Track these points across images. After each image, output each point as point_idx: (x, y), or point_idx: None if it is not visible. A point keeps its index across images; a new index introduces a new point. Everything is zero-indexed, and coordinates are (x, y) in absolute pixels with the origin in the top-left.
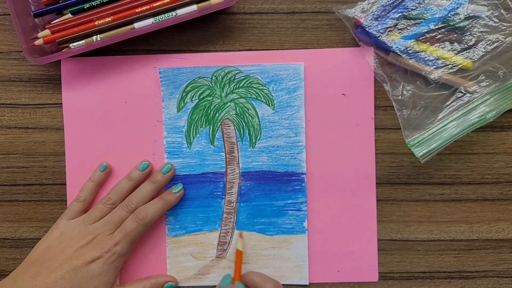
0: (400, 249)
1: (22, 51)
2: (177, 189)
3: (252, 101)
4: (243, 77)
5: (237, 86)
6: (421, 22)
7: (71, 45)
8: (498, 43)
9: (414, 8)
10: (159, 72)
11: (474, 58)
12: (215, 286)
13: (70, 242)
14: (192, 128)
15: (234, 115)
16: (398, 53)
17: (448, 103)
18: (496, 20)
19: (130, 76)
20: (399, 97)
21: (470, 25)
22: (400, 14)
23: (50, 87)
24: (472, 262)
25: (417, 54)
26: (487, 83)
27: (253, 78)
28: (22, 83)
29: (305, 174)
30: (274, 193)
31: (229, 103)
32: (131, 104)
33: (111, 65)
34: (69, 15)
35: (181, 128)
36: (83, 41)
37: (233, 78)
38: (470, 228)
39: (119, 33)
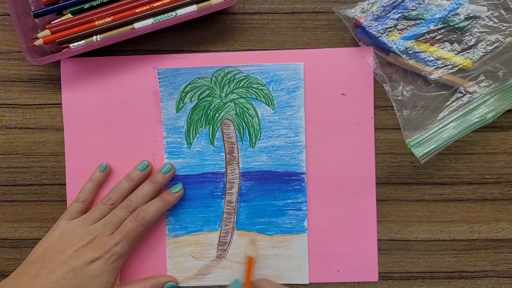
0: (400, 249)
1: (22, 51)
2: (177, 189)
3: (252, 101)
4: (243, 77)
5: (237, 86)
6: (421, 22)
7: (71, 45)
8: (498, 43)
9: (414, 8)
10: (158, 73)
11: (474, 58)
12: (215, 286)
13: (70, 242)
14: (191, 128)
15: (234, 115)
16: (398, 53)
17: (448, 103)
18: (496, 21)
19: (130, 76)
20: (399, 97)
21: (470, 26)
22: (400, 14)
23: (50, 87)
24: (472, 262)
25: (417, 54)
26: (487, 84)
27: (253, 78)
28: (22, 83)
29: (305, 174)
30: (274, 193)
31: (229, 103)
32: (130, 104)
33: (111, 65)
34: (69, 15)
35: (181, 128)
36: (83, 41)
37: (233, 78)
38: (470, 228)
39: (119, 33)
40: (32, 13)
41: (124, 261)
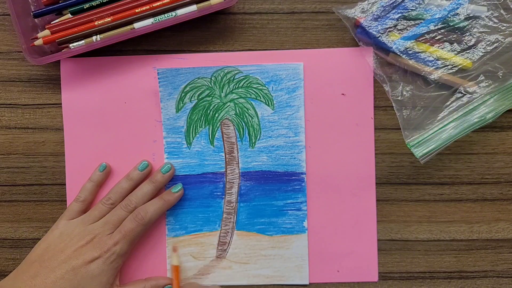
0: (400, 249)
1: (22, 51)
2: (177, 188)
3: (252, 101)
4: (242, 77)
5: (236, 86)
6: (421, 22)
7: (70, 45)
8: (497, 43)
9: (413, 8)
10: (157, 73)
11: (473, 58)
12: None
13: (70, 242)
14: (191, 128)
15: (233, 115)
16: (398, 53)
17: (448, 103)
18: (496, 21)
19: (130, 76)
20: (399, 98)
21: (470, 26)
22: (400, 14)
23: (49, 87)
24: (472, 262)
25: (417, 54)
26: (487, 84)
27: (253, 78)
28: (22, 83)
29: (305, 174)
30: (274, 193)
31: (228, 103)
32: (130, 104)
33: (111, 65)
34: (69, 15)
35: (181, 128)
36: (82, 41)
37: (232, 78)
38: (470, 228)
39: (119, 33)
40: (32, 13)
41: (124, 261)
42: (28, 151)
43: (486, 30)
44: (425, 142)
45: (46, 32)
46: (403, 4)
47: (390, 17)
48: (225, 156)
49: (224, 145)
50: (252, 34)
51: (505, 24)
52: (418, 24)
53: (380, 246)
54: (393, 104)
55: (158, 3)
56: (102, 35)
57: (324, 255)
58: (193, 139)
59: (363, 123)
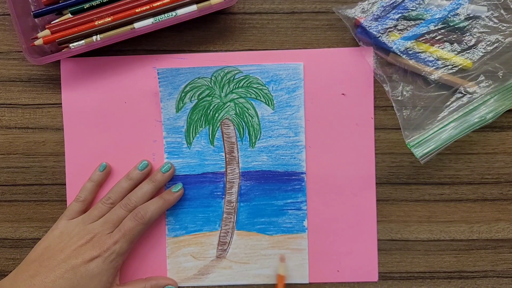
0: (400, 249)
1: (22, 51)
2: (177, 188)
3: (252, 101)
4: (242, 77)
5: (236, 86)
6: (421, 22)
7: (71, 45)
8: (498, 43)
9: (414, 8)
10: (157, 72)
11: (474, 58)
12: (215, 286)
13: (69, 241)
14: (191, 128)
15: (233, 115)
16: (398, 53)
17: (448, 103)
18: (496, 21)
19: (130, 76)
20: (399, 98)
21: (470, 26)
22: (400, 14)
23: (50, 87)
24: (472, 262)
25: (417, 54)
26: (487, 84)
27: (253, 78)
28: (22, 83)
29: (305, 173)
30: (274, 192)
31: (228, 103)
32: (130, 104)
33: (111, 65)
34: (69, 15)
35: (181, 128)
36: (83, 41)
37: (232, 78)
38: (470, 228)
39: (119, 33)
40: (32, 13)
41: (123, 260)
42: (28, 151)
43: (486, 30)
44: (425, 142)
45: (46, 32)
46: (403, 4)
47: (390, 17)
48: (225, 156)
49: (224, 145)
50: (252, 34)
51: (505, 24)
52: (418, 24)
53: (380, 246)
54: (393, 104)
55: (158, 3)
56: (102, 35)
57: (324, 255)
58: (193, 139)
59: (363, 123)
